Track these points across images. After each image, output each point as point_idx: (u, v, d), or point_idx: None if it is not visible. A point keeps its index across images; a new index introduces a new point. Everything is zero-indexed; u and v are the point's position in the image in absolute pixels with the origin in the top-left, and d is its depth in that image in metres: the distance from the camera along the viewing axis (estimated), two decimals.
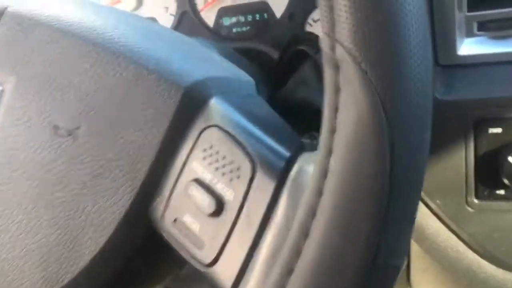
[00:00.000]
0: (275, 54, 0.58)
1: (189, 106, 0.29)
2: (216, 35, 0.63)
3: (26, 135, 0.31)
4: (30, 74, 0.31)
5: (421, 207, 0.52)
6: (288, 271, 0.22)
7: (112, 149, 0.29)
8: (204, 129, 0.28)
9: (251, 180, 0.27)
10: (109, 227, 0.29)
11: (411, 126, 0.22)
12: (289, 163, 0.27)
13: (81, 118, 0.30)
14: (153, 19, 0.65)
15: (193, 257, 0.28)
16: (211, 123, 0.28)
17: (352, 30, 0.21)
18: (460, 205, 0.49)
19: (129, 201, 0.29)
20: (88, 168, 0.29)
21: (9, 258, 0.30)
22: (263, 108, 0.32)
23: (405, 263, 0.24)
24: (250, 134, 0.28)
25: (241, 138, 0.27)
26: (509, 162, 0.44)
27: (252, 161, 0.27)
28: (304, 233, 0.22)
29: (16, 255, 0.30)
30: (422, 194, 0.51)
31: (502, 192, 0.47)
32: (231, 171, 0.27)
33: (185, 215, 0.28)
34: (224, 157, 0.27)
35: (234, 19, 0.63)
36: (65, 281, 0.29)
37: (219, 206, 0.27)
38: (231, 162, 0.27)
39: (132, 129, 0.29)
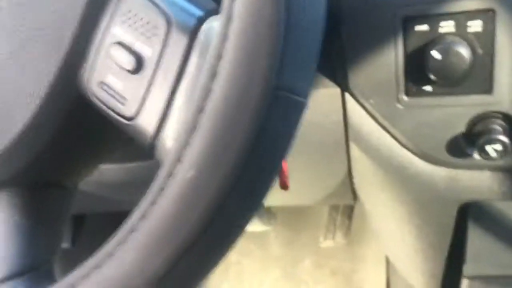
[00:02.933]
0: None
1: None
2: None
3: None
4: None
5: (357, 109, 0.55)
6: (200, 109, 0.25)
7: (36, 19, 0.30)
8: None
9: (167, 36, 0.29)
10: (37, 94, 0.31)
11: None
12: (201, 20, 0.29)
13: None
14: None
15: (117, 113, 0.30)
16: None
17: None
18: (391, 103, 0.53)
19: (56, 69, 0.30)
20: (12, 39, 0.31)
21: None
22: None
23: (307, 103, 0.27)
24: None
25: (157, 1, 0.29)
26: (433, 56, 0.47)
27: (167, 20, 0.29)
28: (213, 74, 0.24)
29: None
30: (357, 94, 0.54)
31: (429, 88, 0.51)
32: (148, 30, 0.29)
33: (108, 76, 0.30)
34: (142, 19, 0.29)
35: None
36: (0, 150, 0.31)
37: (139, 63, 0.29)
38: (148, 22, 0.29)
39: None
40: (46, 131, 0.31)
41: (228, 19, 0.24)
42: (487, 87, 0.49)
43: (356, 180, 0.65)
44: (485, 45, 0.47)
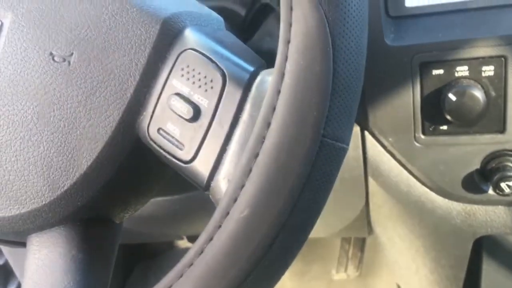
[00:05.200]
0: (242, 11, 0.63)
1: (167, 34, 0.34)
2: None
3: (25, 62, 0.35)
4: (25, 9, 0.35)
5: (376, 146, 0.58)
6: (255, 155, 0.27)
7: (102, 72, 0.34)
8: (181, 52, 0.34)
9: (222, 90, 0.32)
10: (102, 139, 0.34)
11: (349, 34, 0.28)
12: (253, 75, 0.33)
13: (73, 46, 0.34)
14: None
15: (175, 157, 0.33)
16: (187, 47, 0.34)
17: None
18: (409, 141, 0.56)
19: (119, 116, 0.34)
20: (81, 89, 0.34)
21: (14, 169, 0.35)
22: (231, 37, 0.37)
23: (348, 149, 0.30)
24: (220, 54, 0.33)
25: (212, 57, 0.33)
26: (449, 98, 0.51)
27: (223, 74, 0.32)
28: (267, 124, 0.28)
29: (20, 167, 0.34)
30: (376, 133, 0.57)
31: (445, 127, 0.54)
32: (205, 84, 0.32)
33: (167, 124, 0.33)
34: (199, 73, 0.33)
35: None
36: (66, 187, 0.34)
37: (196, 112, 0.32)
38: (205, 77, 0.32)
39: (118, 54, 0.34)
40: (107, 172, 0.34)
41: (281, 75, 0.28)
42: (501, 127, 0.52)
43: (373, 214, 0.68)
44: (497, 88, 0.51)
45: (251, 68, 0.33)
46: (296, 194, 0.27)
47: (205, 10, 0.39)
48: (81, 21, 0.34)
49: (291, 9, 0.28)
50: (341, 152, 0.29)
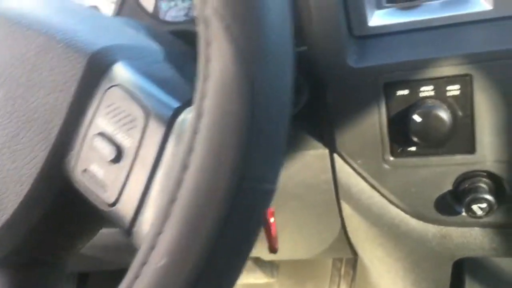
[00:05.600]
0: None
1: (95, 70, 0.33)
2: (155, 20, 0.66)
3: None
4: None
5: (346, 169, 0.57)
6: (173, 200, 0.26)
7: (27, 112, 0.33)
8: (108, 88, 0.32)
9: (145, 128, 0.31)
10: (27, 181, 0.33)
11: (270, 69, 0.27)
12: (177, 112, 0.31)
13: None
14: (95, 7, 0.68)
15: (99, 199, 0.32)
16: (114, 83, 0.32)
17: None
18: (378, 163, 0.54)
19: (44, 158, 0.32)
20: (6, 130, 0.33)
21: None
22: (166, 71, 0.36)
23: (275, 188, 0.28)
24: (146, 91, 0.32)
25: (137, 94, 0.32)
26: (414, 120, 0.49)
27: (145, 112, 0.31)
28: (184, 166, 0.26)
29: None
30: (345, 155, 0.56)
31: (413, 148, 0.52)
32: (128, 122, 0.31)
33: (92, 165, 0.32)
34: (123, 111, 0.32)
35: (172, 4, 0.66)
36: None
37: (119, 153, 0.31)
38: (128, 115, 0.31)
39: (43, 93, 0.33)
40: (34, 215, 0.33)
41: (199, 114, 0.26)
42: (470, 148, 0.50)
43: (351, 236, 0.66)
44: (464, 108, 0.49)
45: (176, 105, 0.32)
46: (214, 240, 0.26)
47: (142, 42, 0.38)
48: (6, 59, 0.33)
49: (207, 44, 0.27)
50: (265, 193, 0.27)
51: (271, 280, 1.08)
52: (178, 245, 0.26)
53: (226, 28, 0.26)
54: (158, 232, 0.26)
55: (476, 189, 0.51)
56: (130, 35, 0.38)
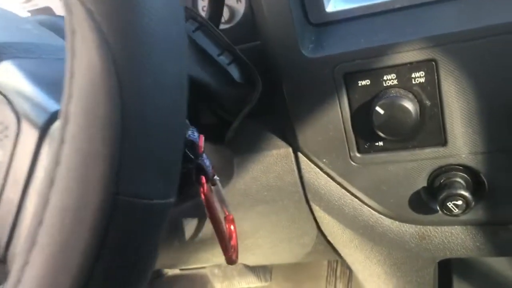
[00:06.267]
0: None
1: None
2: None
3: None
4: None
5: (312, 168, 0.52)
6: (39, 222, 0.22)
7: None
8: None
9: (17, 136, 0.27)
10: None
11: (145, 66, 0.23)
12: (54, 116, 0.27)
13: None
14: (48, 9, 0.64)
15: None
16: None
17: None
18: (345, 161, 0.50)
19: None
20: None
21: None
22: (60, 71, 0.32)
23: (169, 203, 0.24)
24: (22, 94, 0.28)
25: (12, 98, 0.28)
26: (377, 112, 0.44)
27: (18, 118, 0.27)
28: (50, 182, 0.22)
29: None
30: (309, 154, 0.51)
31: (380, 143, 0.48)
32: (1, 132, 0.27)
33: None
34: None
35: None
36: None
37: None
38: (1, 123, 0.27)
39: None
40: None
41: (65, 119, 0.22)
42: (441, 139, 0.46)
43: (330, 238, 0.62)
44: (431, 96, 0.44)
45: (56, 107, 0.28)
46: (87, 267, 0.22)
47: (42, 40, 0.34)
48: None
49: (72, 33, 0.22)
50: (146, 209, 0.23)
51: (266, 284, 1.04)
52: (45, 278, 0.22)
53: (88, 12, 0.22)
54: (24, 262, 0.22)
55: (451, 185, 0.47)
56: (29, 33, 0.34)
